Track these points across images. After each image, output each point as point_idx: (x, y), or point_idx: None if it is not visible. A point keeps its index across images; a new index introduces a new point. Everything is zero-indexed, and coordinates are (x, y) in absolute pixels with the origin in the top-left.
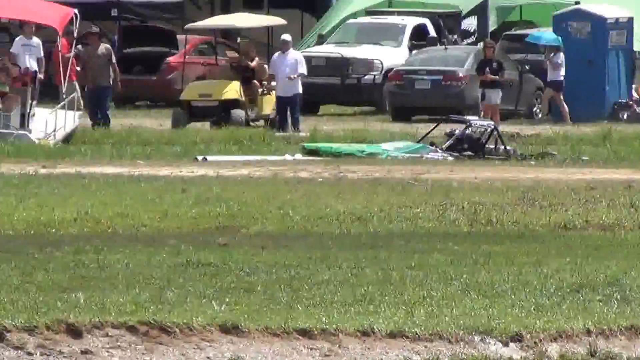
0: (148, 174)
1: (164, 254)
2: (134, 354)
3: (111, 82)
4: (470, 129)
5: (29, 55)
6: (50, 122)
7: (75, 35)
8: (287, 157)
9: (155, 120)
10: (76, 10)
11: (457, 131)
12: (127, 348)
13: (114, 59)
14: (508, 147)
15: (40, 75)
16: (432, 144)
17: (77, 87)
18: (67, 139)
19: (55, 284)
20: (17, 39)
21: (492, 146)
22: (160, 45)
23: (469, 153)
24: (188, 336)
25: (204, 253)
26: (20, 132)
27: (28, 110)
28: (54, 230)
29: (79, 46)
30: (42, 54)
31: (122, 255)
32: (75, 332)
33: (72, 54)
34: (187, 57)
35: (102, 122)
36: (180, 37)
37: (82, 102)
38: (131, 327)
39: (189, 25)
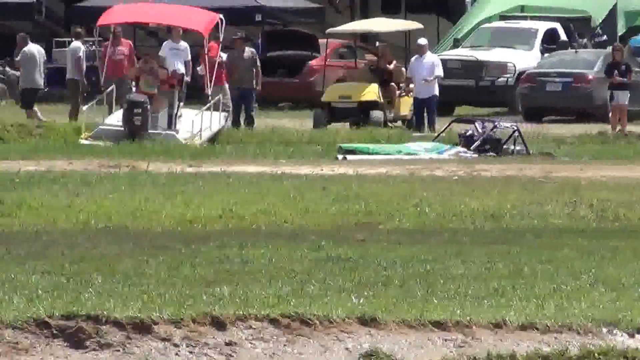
0: (290, 172)
1: (305, 249)
2: (276, 345)
3: (254, 85)
4: (494, 130)
5: (176, 59)
6: (196, 123)
7: (220, 39)
8: (424, 156)
9: (297, 120)
10: (221, 15)
11: (469, 132)
12: (270, 340)
13: (258, 63)
14: (527, 148)
15: (187, 78)
16: (455, 144)
17: (227, 89)
18: (213, 139)
19: (201, 278)
20: (165, 43)
21: (505, 146)
22: (302, 49)
23: (492, 153)
24: (328, 328)
25: (343, 248)
26: (167, 132)
27: (175, 112)
28: (199, 226)
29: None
30: (189, 57)
31: (265, 250)
32: (219, 324)
33: (219, 57)
34: (327, 60)
35: (247, 123)
36: (321, 41)
37: (230, 103)
38: (273, 319)
39: (329, 30)
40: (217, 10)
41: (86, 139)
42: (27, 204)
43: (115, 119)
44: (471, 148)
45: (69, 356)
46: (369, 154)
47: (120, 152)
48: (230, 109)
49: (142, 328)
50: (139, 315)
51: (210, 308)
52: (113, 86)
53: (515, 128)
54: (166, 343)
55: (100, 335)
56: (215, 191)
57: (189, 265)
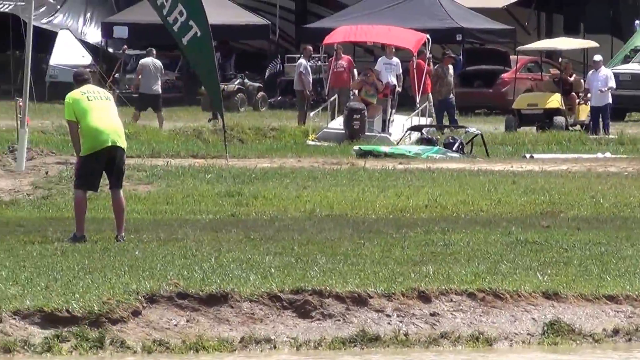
0: (485, 168)
1: (498, 234)
2: (472, 316)
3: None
4: (464, 134)
5: (389, 72)
6: (406, 127)
7: (427, 56)
8: (599, 155)
9: (491, 124)
10: (428, 35)
11: (425, 134)
12: (468, 311)
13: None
14: (487, 151)
15: (399, 89)
16: (444, 145)
17: (431, 98)
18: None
19: (409, 258)
20: (380, 58)
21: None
22: (496, 64)
23: (460, 154)
24: (517, 301)
25: (530, 233)
26: (382, 134)
27: (388, 117)
28: (408, 214)
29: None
30: (400, 70)
31: (463, 235)
32: (425, 297)
33: (427, 71)
34: (517, 73)
35: (453, 127)
36: (512, 57)
37: (433, 110)
38: (471, 293)
39: (519, 48)
40: (424, 30)
41: (312, 140)
42: (263, 195)
43: (337, 123)
44: (453, 149)
45: (297, 325)
46: (383, 154)
47: (342, 151)
48: (434, 115)
49: (359, 301)
50: (356, 290)
51: (417, 284)
52: (336, 95)
53: (479, 133)
54: (380, 314)
55: (323, 307)
56: (422, 184)
57: (399, 247)
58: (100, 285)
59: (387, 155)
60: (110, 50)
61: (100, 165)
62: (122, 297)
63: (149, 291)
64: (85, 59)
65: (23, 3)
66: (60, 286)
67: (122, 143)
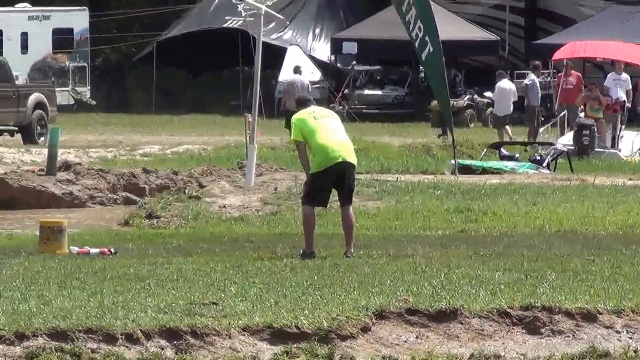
0: None
1: None
2: None
3: None
4: (552, 151)
5: (619, 88)
6: (636, 143)
7: None
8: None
9: None
10: None
11: (504, 152)
12: None
13: None
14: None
15: (628, 104)
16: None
17: None
18: None
19: (639, 274)
20: (609, 74)
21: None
22: None
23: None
24: None
25: None
26: (611, 150)
27: (618, 133)
28: (638, 231)
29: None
30: (630, 86)
31: None
32: None
33: None
34: None
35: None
36: None
37: None
38: None
39: None
40: None
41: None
42: (492, 212)
43: (566, 139)
44: (543, 165)
45: (526, 341)
46: (482, 168)
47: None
48: None
49: (589, 317)
50: (586, 306)
51: None
52: (565, 111)
53: (565, 150)
54: (609, 330)
55: (553, 323)
56: None
57: (629, 264)
58: (330, 301)
59: (484, 170)
60: (339, 65)
61: (330, 181)
62: (352, 313)
63: (378, 307)
64: (315, 74)
65: (252, 19)
66: (290, 302)
67: (352, 159)
